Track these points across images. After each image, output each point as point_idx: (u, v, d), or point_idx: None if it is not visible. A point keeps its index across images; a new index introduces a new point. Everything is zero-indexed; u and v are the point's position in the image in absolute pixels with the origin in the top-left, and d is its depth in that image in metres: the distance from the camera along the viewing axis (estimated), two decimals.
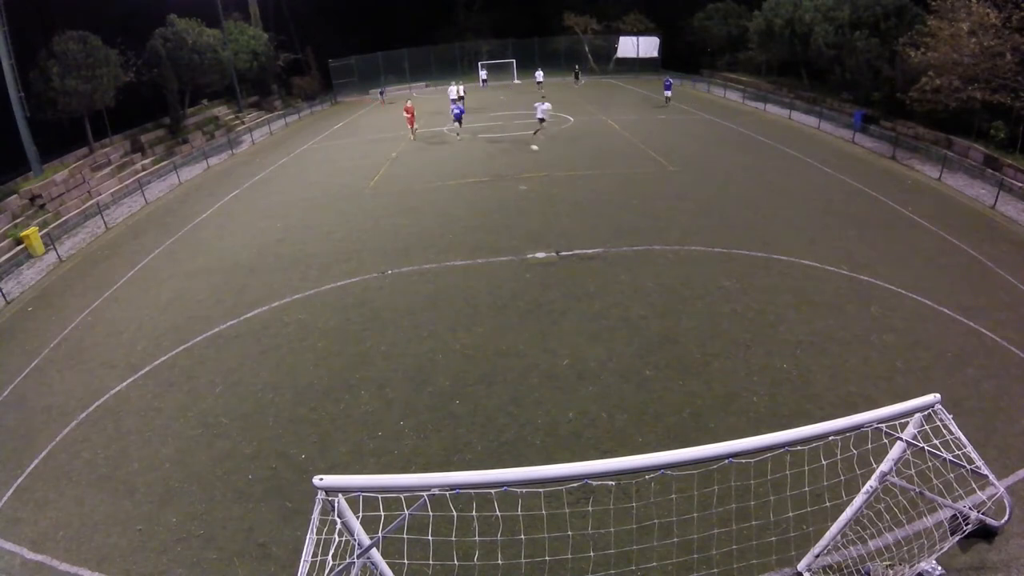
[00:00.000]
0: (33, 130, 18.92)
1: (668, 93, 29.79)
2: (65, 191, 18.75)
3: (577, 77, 38.87)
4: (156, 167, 22.96)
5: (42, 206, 17.75)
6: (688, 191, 16.21)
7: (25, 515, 6.67)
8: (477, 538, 3.56)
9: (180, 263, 13.78)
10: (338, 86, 41.85)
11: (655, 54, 41.70)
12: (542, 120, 22.44)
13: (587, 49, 43.64)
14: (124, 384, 9.01)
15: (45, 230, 16.07)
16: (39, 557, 6.05)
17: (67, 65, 20.14)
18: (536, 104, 22.56)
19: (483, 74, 40.93)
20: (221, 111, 31.10)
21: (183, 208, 18.43)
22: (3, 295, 12.89)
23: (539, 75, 37.41)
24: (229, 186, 20.25)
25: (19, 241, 15.31)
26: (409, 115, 24.83)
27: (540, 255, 12.25)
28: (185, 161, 23.96)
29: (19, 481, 7.22)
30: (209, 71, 28.67)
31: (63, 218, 17.51)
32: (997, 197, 14.88)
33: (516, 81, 41.57)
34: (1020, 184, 15.61)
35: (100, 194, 19.50)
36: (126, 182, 21.00)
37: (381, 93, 38.57)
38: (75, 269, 14.51)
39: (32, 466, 7.46)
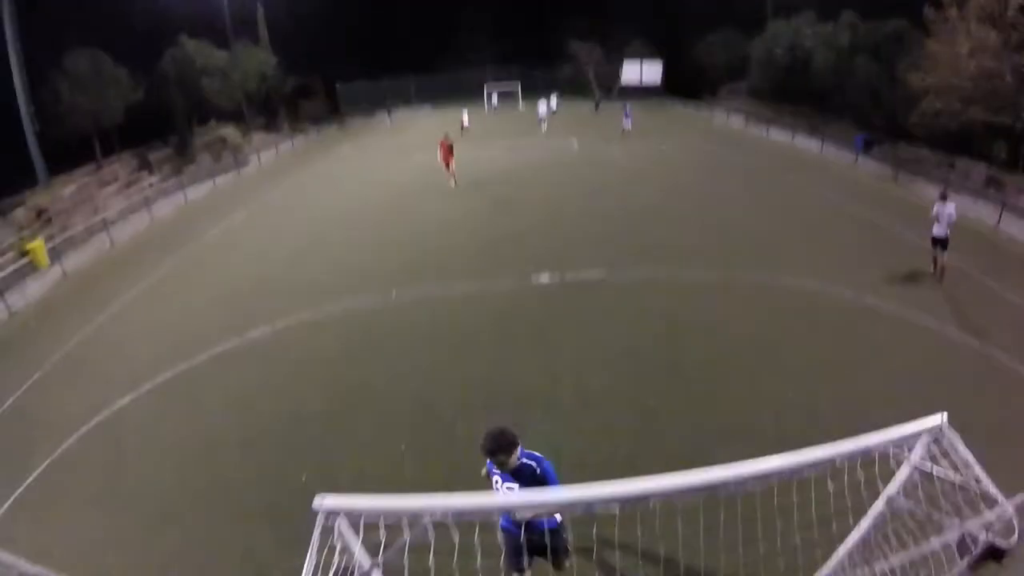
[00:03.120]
0: (42, 145, 19.20)
1: (627, 124, 26.51)
2: (72, 206, 18.96)
3: (597, 106, 38.27)
4: (163, 185, 23.21)
5: (49, 220, 17.91)
6: (690, 216, 16.26)
7: (23, 529, 6.60)
8: (479, 562, 3.51)
9: (184, 282, 13.82)
10: (345, 109, 42.37)
11: (658, 81, 42.06)
12: None
13: (592, 75, 43.99)
14: (125, 400, 8.98)
15: (51, 243, 16.16)
16: (36, 570, 5.96)
17: (76, 82, 20.48)
18: None
19: (494, 98, 40.06)
20: (229, 132, 31.47)
21: (189, 227, 18.56)
22: (7, 307, 12.93)
23: (552, 102, 33.48)
24: (235, 206, 20.40)
25: (24, 253, 15.39)
26: (446, 155, 19.63)
27: (544, 280, 12.25)
28: (192, 180, 24.22)
29: (17, 494, 7.15)
30: (218, 93, 29.12)
31: (69, 232, 17.65)
32: (1000, 217, 14.87)
33: (521, 108, 41.56)
34: (1023, 204, 15.62)
35: (107, 210, 19.68)
36: (133, 199, 21.21)
37: (389, 115, 38.98)
38: (79, 283, 14.58)
39: (31, 480, 7.40)
